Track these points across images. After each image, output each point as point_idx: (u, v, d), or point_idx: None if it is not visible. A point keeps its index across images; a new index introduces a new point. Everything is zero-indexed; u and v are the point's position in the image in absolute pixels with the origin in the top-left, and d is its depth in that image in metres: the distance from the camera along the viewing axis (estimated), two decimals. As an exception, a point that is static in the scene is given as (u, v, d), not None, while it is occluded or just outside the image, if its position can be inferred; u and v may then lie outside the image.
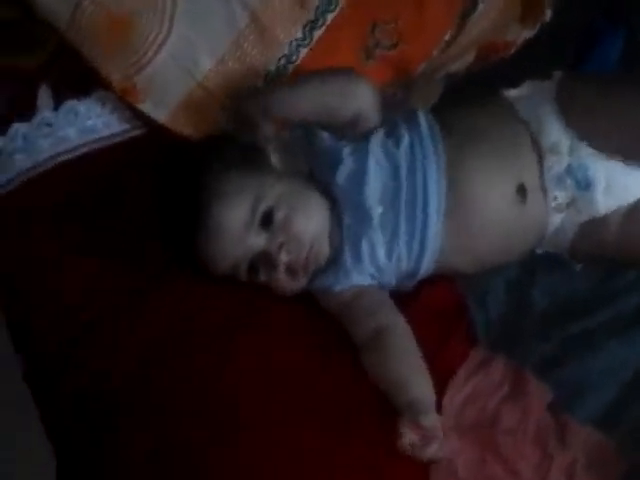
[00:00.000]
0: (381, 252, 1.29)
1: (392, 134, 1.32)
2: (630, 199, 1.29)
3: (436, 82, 1.49)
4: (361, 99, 1.33)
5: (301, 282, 1.30)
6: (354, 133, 1.33)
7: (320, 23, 1.37)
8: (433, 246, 1.29)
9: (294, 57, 1.37)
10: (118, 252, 1.34)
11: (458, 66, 1.49)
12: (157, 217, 1.32)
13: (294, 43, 1.37)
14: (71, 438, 1.27)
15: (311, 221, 1.29)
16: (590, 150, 1.29)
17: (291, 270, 1.28)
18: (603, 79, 1.39)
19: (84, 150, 1.42)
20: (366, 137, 1.32)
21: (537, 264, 1.36)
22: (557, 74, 1.37)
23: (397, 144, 1.30)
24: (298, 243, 1.27)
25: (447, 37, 1.42)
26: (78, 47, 1.37)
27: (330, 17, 1.37)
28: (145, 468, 1.19)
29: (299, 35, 1.37)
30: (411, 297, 1.34)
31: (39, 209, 1.40)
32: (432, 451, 1.13)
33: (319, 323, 1.30)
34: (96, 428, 1.24)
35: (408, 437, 1.13)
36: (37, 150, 1.41)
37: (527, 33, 1.48)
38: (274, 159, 1.32)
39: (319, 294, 1.32)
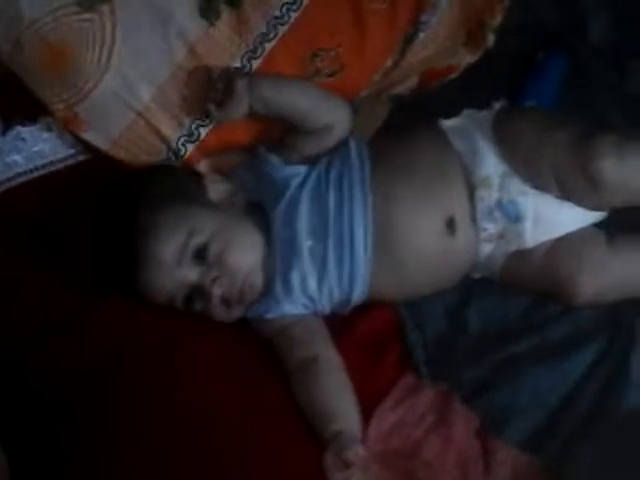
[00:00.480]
0: (312, 283, 1.32)
1: (329, 166, 1.34)
2: (556, 234, 1.32)
3: (381, 104, 1.50)
4: (338, 114, 1.37)
5: (236, 312, 1.33)
6: (304, 152, 1.36)
7: (259, 53, 1.38)
8: (362, 279, 1.31)
9: (233, 87, 1.39)
10: (61, 274, 1.38)
11: (401, 90, 1.50)
12: (96, 245, 1.35)
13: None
14: (26, 449, 1.32)
15: (245, 255, 1.31)
16: (520, 185, 1.31)
17: (226, 302, 1.31)
18: (540, 115, 1.38)
19: (32, 175, 1.45)
20: (310, 166, 1.35)
21: (474, 288, 1.39)
22: (496, 105, 1.38)
23: (327, 176, 1.33)
24: (232, 277, 1.30)
25: (389, 63, 1.43)
26: (21, 77, 1.39)
27: (269, 47, 1.38)
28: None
29: (237, 65, 1.38)
30: (348, 319, 1.37)
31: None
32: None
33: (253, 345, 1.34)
34: (48, 440, 1.29)
35: (332, 471, 1.18)
36: (-15, 175, 1.45)
37: (470, 58, 1.49)
38: (212, 192, 1.35)
39: (253, 321, 1.35)
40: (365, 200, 1.30)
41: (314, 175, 1.34)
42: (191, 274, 1.29)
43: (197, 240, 1.29)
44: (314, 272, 1.31)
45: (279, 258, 1.32)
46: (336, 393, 1.26)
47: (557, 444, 1.28)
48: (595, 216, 1.33)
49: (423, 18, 1.41)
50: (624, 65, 1.46)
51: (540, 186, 1.31)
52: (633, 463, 1.25)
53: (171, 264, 1.28)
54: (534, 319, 1.36)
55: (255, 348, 1.34)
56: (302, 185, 1.33)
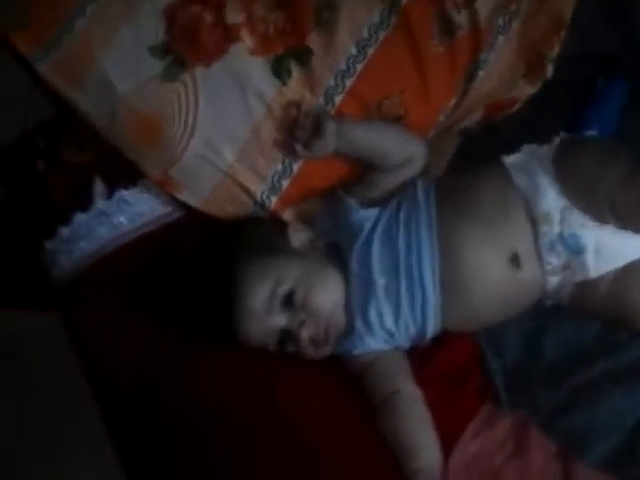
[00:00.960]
0: (389, 320, 1.40)
1: (398, 206, 1.42)
2: (619, 263, 1.36)
3: (449, 139, 1.57)
4: (417, 149, 1.46)
5: (326, 350, 1.42)
6: (382, 187, 1.45)
7: (329, 106, 1.47)
8: (434, 314, 1.39)
9: (309, 137, 1.48)
10: (164, 327, 1.49)
11: (466, 124, 1.56)
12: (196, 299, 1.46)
13: (305, 124, 1.48)
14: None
15: (328, 297, 1.40)
16: (580, 218, 1.35)
17: (314, 342, 1.40)
18: (601, 145, 1.43)
19: (136, 234, 1.57)
20: (381, 209, 1.43)
21: (548, 315, 1.44)
22: (556, 139, 1.42)
23: (397, 218, 1.40)
24: (317, 318, 1.39)
25: (452, 103, 1.50)
26: (118, 146, 1.52)
27: (338, 99, 1.46)
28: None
29: (312, 122, 1.47)
30: (428, 351, 1.44)
31: (104, 291, 1.56)
32: None
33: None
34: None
35: None
36: (96, 237, 1.57)
37: (530, 90, 1.53)
38: (294, 240, 1.44)
39: (342, 357, 1.44)
40: (431, 240, 1.37)
41: (385, 217, 1.42)
42: (280, 320, 1.39)
43: (283, 288, 1.38)
44: (390, 309, 1.39)
45: (358, 297, 1.40)
46: (416, 428, 1.34)
47: (637, 464, 1.30)
48: None
49: (482, 57, 1.47)
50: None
51: (599, 218, 1.35)
52: None
53: (262, 313, 1.38)
54: (607, 343, 1.39)
55: (347, 384, 1.42)
56: (374, 227, 1.41)
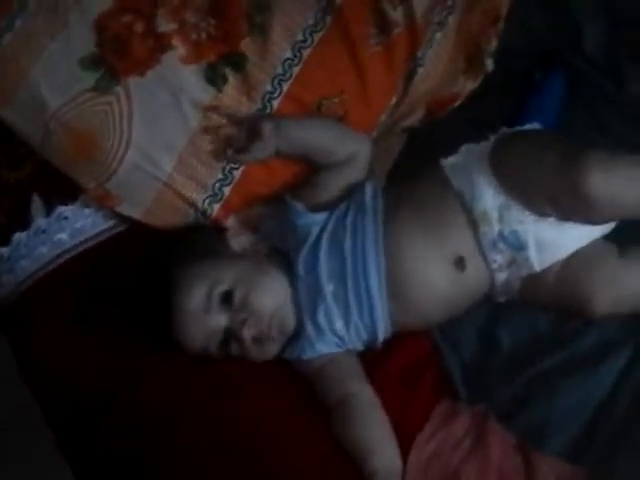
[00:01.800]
0: (339, 325, 1.38)
1: (346, 211, 1.40)
2: (563, 255, 1.35)
3: (394, 137, 1.55)
4: (360, 144, 1.44)
5: (271, 350, 1.40)
6: (328, 188, 1.43)
7: (267, 110, 1.44)
8: (383, 320, 1.37)
9: (247, 144, 1.46)
10: (113, 339, 1.47)
11: (409, 122, 1.55)
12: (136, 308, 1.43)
13: (242, 132, 1.46)
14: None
15: (269, 296, 1.38)
16: (519, 214, 1.34)
17: (258, 341, 1.37)
18: (535, 137, 1.41)
19: (78, 250, 1.54)
20: (329, 213, 1.41)
21: (502, 309, 1.43)
22: (492, 137, 1.41)
23: (344, 222, 1.39)
24: (259, 318, 1.37)
25: (393, 101, 1.48)
26: (53, 162, 1.49)
27: (276, 103, 1.44)
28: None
29: (248, 126, 1.45)
30: (383, 351, 1.42)
31: (48, 309, 1.53)
32: None
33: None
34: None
35: None
36: (37, 255, 1.53)
37: (471, 84, 1.53)
38: (234, 244, 1.43)
39: (293, 363, 1.42)
40: (377, 246, 1.36)
41: (332, 221, 1.40)
42: (221, 320, 1.37)
43: (221, 288, 1.37)
44: (339, 314, 1.38)
45: (306, 301, 1.39)
46: (373, 429, 1.32)
47: (598, 452, 1.30)
48: (601, 230, 1.36)
49: (420, 54, 1.46)
50: (621, 72, 1.48)
51: (538, 211, 1.34)
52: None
53: (200, 313, 1.36)
54: (561, 333, 1.39)
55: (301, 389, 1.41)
56: (322, 232, 1.40)
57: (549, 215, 1.33)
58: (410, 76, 1.47)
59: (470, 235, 1.36)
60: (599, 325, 1.37)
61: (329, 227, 1.40)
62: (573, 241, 1.35)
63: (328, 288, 1.37)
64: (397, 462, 1.30)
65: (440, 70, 1.48)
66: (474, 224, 1.36)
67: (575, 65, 1.51)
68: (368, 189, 1.41)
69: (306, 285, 1.39)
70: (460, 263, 1.36)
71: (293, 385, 1.41)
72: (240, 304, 1.37)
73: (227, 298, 1.37)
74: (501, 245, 1.35)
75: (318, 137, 1.44)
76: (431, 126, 1.54)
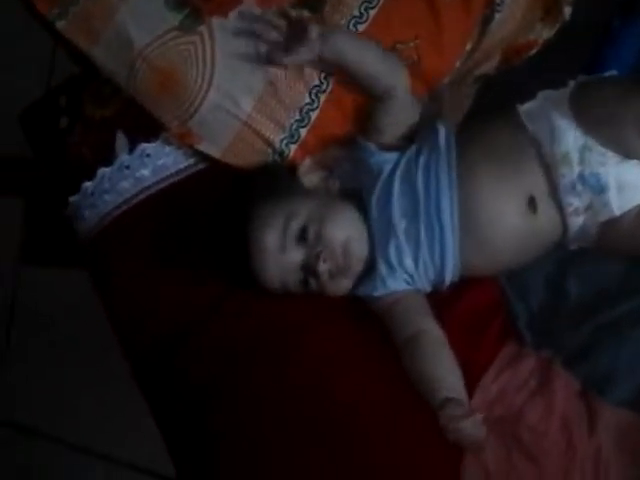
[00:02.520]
0: (408, 261, 1.41)
1: (418, 151, 1.43)
2: None
3: (467, 86, 1.56)
4: (399, 79, 1.45)
5: (346, 283, 1.44)
6: (383, 128, 1.47)
7: (343, 54, 1.48)
8: (452, 258, 1.40)
9: (324, 86, 1.49)
10: (192, 275, 1.52)
11: (485, 70, 1.56)
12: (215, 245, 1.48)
13: (323, 73, 1.48)
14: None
15: (341, 228, 1.42)
16: (600, 156, 1.35)
17: (333, 275, 1.41)
18: (618, 83, 1.42)
19: (160, 187, 1.59)
20: (401, 153, 1.44)
21: (571, 259, 1.44)
22: (571, 83, 1.41)
23: (417, 161, 1.41)
24: (333, 250, 1.40)
25: (468, 47, 1.50)
26: (137, 100, 1.55)
27: (352, 42, 1.47)
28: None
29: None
30: (451, 296, 1.45)
31: (128, 243, 1.60)
32: (470, 427, 1.28)
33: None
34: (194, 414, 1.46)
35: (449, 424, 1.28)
36: (120, 190, 1.59)
37: (548, 32, 1.53)
38: (306, 181, 1.47)
39: (365, 300, 1.45)
40: (450, 184, 1.38)
41: (404, 160, 1.43)
42: (297, 256, 1.41)
43: (296, 222, 1.40)
44: (409, 251, 1.41)
45: (379, 238, 1.42)
46: (441, 364, 1.36)
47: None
48: None
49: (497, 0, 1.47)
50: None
51: (624, 151, 1.34)
52: None
53: (276, 250, 1.40)
54: (630, 283, 1.39)
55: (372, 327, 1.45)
56: (394, 170, 1.43)
57: (635, 156, 1.34)
58: (487, 22, 1.48)
59: (543, 178, 1.37)
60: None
61: (401, 166, 1.43)
62: None
63: (401, 225, 1.40)
64: (465, 395, 1.33)
65: (518, 17, 1.49)
66: (550, 167, 1.37)
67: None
68: (441, 130, 1.43)
69: (379, 222, 1.42)
70: (532, 203, 1.37)
71: (365, 323, 1.45)
72: (314, 238, 1.40)
73: (302, 234, 1.40)
74: (580, 187, 1.36)
75: (360, 53, 1.44)
76: (506, 75, 1.55)
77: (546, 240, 1.41)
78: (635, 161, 1.35)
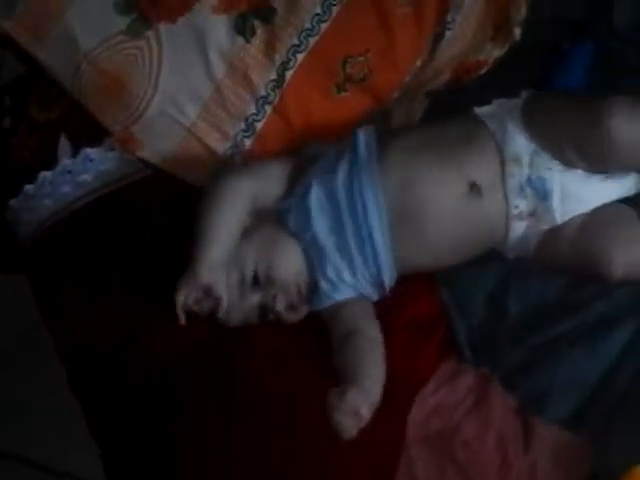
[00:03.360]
0: (346, 274, 1.39)
1: (333, 164, 1.41)
2: (586, 208, 1.35)
3: (417, 102, 1.55)
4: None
5: (304, 310, 1.41)
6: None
7: (292, 64, 1.46)
8: (387, 260, 1.38)
9: (271, 97, 1.48)
10: (134, 283, 1.49)
11: (434, 86, 1.55)
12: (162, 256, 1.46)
13: (270, 84, 1.47)
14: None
15: (290, 267, 1.40)
16: (548, 162, 1.35)
17: (292, 307, 1.40)
18: (564, 97, 1.42)
19: (101, 193, 1.56)
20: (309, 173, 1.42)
21: (513, 275, 1.42)
22: (524, 93, 1.41)
23: (334, 174, 1.39)
24: (287, 289, 1.39)
25: (419, 63, 1.49)
26: (82, 103, 1.52)
27: (301, 57, 1.46)
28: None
29: (273, 77, 1.47)
30: (394, 308, 1.43)
31: (67, 249, 1.56)
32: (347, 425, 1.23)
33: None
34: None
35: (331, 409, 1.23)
36: (61, 195, 1.56)
37: (498, 52, 1.53)
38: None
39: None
40: (374, 185, 1.36)
41: (317, 180, 1.40)
42: (254, 299, 1.39)
43: (248, 272, 1.38)
44: (345, 265, 1.39)
45: (314, 259, 1.40)
46: (369, 360, 1.32)
47: (596, 422, 1.31)
48: (624, 190, 1.36)
49: (449, 17, 1.47)
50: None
51: (566, 161, 1.35)
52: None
53: (237, 301, 1.39)
54: (570, 301, 1.38)
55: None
56: (307, 190, 1.40)
57: (576, 166, 1.34)
58: (437, 39, 1.48)
59: (495, 168, 1.36)
60: (608, 295, 1.36)
61: (314, 185, 1.40)
62: (597, 195, 1.36)
63: (329, 242, 1.39)
64: (378, 398, 1.28)
65: (468, 35, 1.49)
66: (504, 164, 1.36)
67: (603, 37, 1.50)
68: (360, 136, 1.41)
69: (306, 241, 1.40)
70: (476, 189, 1.35)
71: (307, 335, 1.42)
72: (266, 281, 1.39)
73: (254, 280, 1.39)
74: (527, 191, 1.35)
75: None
76: (455, 92, 1.55)
77: (486, 231, 1.39)
78: (580, 171, 1.35)
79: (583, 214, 1.36)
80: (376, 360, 1.33)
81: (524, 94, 1.42)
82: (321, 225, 1.39)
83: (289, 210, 1.41)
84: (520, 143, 1.36)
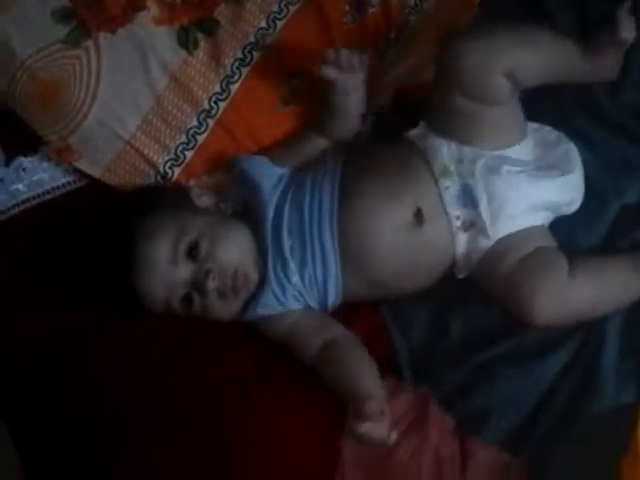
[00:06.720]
0: (295, 278, 1.38)
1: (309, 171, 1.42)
2: (514, 227, 1.36)
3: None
4: None
5: (234, 305, 1.39)
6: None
7: (236, 78, 1.45)
8: (335, 283, 1.38)
9: (214, 111, 1.46)
10: (65, 294, 1.46)
11: (377, 103, 1.52)
12: (96, 263, 1.41)
13: (213, 98, 1.46)
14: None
15: (234, 248, 1.38)
16: (470, 165, 1.36)
17: (221, 294, 1.36)
18: None
19: (34, 203, 1.54)
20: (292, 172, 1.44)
21: (455, 294, 1.42)
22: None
23: (305, 182, 1.40)
24: (224, 269, 1.36)
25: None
26: (17, 111, 1.48)
27: (245, 71, 1.45)
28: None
29: (217, 90, 1.46)
30: (336, 319, 1.41)
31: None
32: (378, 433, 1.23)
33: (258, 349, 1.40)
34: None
35: (357, 429, 1.23)
36: (-8, 203, 1.54)
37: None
38: (198, 202, 1.42)
39: (260, 325, 1.40)
40: (332, 208, 1.37)
41: (296, 180, 1.41)
42: (185, 271, 1.35)
43: (187, 238, 1.35)
44: (295, 268, 1.38)
45: (269, 255, 1.38)
46: (359, 364, 1.32)
47: (532, 444, 1.31)
48: (552, 191, 1.37)
49: (393, 36, 1.48)
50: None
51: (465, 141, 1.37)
52: (604, 462, 1.27)
53: (165, 264, 1.34)
54: (510, 323, 1.38)
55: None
56: (287, 187, 1.41)
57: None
58: (381, 58, 1.48)
59: (432, 189, 1.36)
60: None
61: (293, 185, 1.41)
62: (523, 196, 1.36)
63: (287, 242, 1.38)
64: (382, 393, 1.29)
65: (412, 56, 1.48)
66: (437, 181, 1.36)
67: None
68: (329, 155, 1.43)
69: (267, 240, 1.39)
70: (418, 215, 1.35)
71: (254, 348, 1.40)
72: (205, 255, 1.36)
73: (192, 250, 1.35)
74: (463, 200, 1.36)
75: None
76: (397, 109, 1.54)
77: (434, 260, 1.39)
78: (504, 172, 1.35)
79: (524, 251, 1.35)
80: (366, 360, 1.33)
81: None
82: (286, 225, 1.38)
83: (265, 203, 1.40)
84: (443, 152, 1.37)
